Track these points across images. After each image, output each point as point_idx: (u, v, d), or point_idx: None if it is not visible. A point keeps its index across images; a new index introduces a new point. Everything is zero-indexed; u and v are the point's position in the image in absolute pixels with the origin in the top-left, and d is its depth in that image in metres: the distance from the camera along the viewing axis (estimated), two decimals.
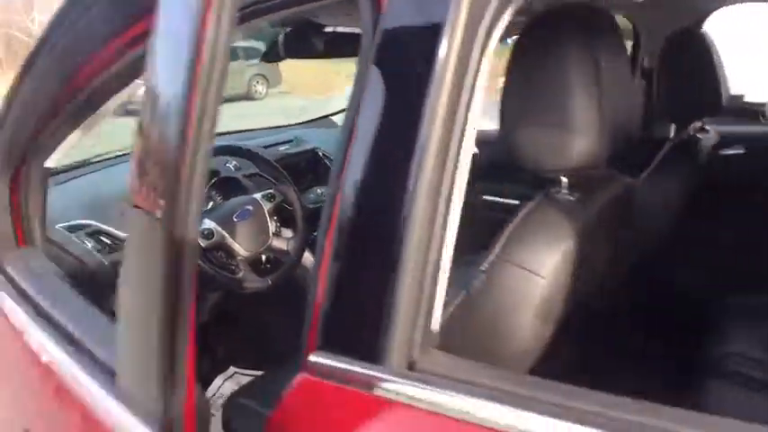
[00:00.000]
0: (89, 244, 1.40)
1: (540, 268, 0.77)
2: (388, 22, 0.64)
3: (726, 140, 1.87)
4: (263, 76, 10.18)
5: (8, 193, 1.19)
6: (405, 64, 0.64)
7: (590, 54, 0.79)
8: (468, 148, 0.64)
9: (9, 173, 1.18)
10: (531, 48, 0.82)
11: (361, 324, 0.65)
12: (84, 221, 1.43)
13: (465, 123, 0.61)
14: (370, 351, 0.63)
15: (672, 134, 1.75)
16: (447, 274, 0.65)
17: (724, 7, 1.90)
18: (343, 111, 2.41)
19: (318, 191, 1.87)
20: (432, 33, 0.60)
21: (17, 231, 1.21)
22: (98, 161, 1.71)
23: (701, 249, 1.83)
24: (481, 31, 0.61)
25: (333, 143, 2.10)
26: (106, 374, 0.77)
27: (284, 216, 1.59)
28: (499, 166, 1.07)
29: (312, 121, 2.44)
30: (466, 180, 0.65)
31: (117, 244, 1.44)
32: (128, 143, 1.83)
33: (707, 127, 1.65)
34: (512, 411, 0.57)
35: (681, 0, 1.73)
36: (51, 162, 1.23)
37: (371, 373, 0.62)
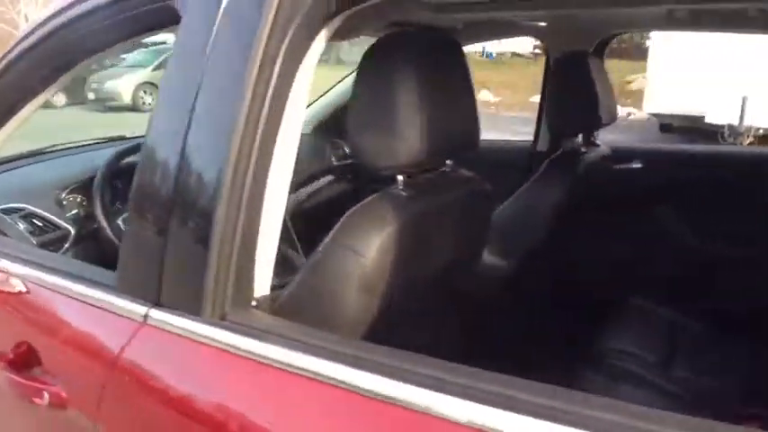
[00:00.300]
0: (21, 226, 1.54)
1: (365, 249, 0.92)
2: None
3: (625, 155, 2.04)
4: (153, 85, 10.04)
5: None
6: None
7: (415, 74, 0.94)
8: (285, 143, 0.80)
9: None
10: (370, 66, 0.97)
11: (186, 285, 0.80)
12: (18, 205, 1.58)
13: (268, 124, 0.77)
14: (193, 306, 0.78)
15: (553, 147, 1.92)
16: (266, 249, 0.81)
17: (627, 32, 2.07)
18: None
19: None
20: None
21: None
22: (36, 153, 1.86)
23: (588, 251, 2.00)
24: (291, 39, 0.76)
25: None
26: None
27: None
28: None
29: None
30: (284, 169, 0.81)
31: (47, 227, 1.59)
32: (63, 138, 1.98)
33: (598, 141, 1.82)
34: (307, 358, 0.73)
35: (580, 26, 1.89)
36: None
37: (192, 322, 0.78)
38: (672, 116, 8.47)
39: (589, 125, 1.64)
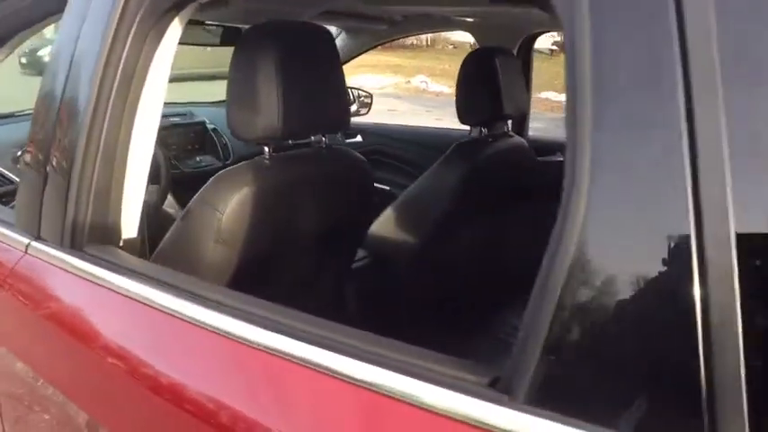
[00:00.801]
0: None
1: (222, 206, 1.09)
2: None
3: (550, 147, 2.17)
4: None
5: None
6: None
7: (274, 60, 1.09)
8: (145, 112, 0.97)
9: None
10: (239, 52, 1.13)
11: (55, 221, 0.98)
12: None
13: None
14: (59, 239, 0.96)
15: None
16: (129, 200, 0.99)
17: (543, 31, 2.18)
18: None
19: (198, 158, 2.19)
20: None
21: None
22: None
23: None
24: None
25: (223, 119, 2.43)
26: None
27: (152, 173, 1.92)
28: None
29: (220, 102, 2.77)
30: (143, 132, 0.98)
31: (2, 181, 1.78)
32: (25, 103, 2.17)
33: (511, 133, 1.96)
34: (135, 285, 0.89)
35: (502, 23, 2.02)
36: None
37: (55, 252, 0.96)
38: None
39: (492, 117, 1.77)
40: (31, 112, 2.13)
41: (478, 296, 2.20)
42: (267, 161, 1.17)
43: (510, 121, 1.95)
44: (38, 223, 1.02)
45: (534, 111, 2.41)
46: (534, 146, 2.05)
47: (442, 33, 13.05)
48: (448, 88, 12.54)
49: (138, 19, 0.92)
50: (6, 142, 1.89)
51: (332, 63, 1.22)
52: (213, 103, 2.70)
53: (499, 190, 1.90)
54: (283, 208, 1.18)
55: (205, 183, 2.15)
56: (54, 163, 0.99)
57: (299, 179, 1.22)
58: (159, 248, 1.18)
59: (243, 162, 1.17)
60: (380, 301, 1.79)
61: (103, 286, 0.89)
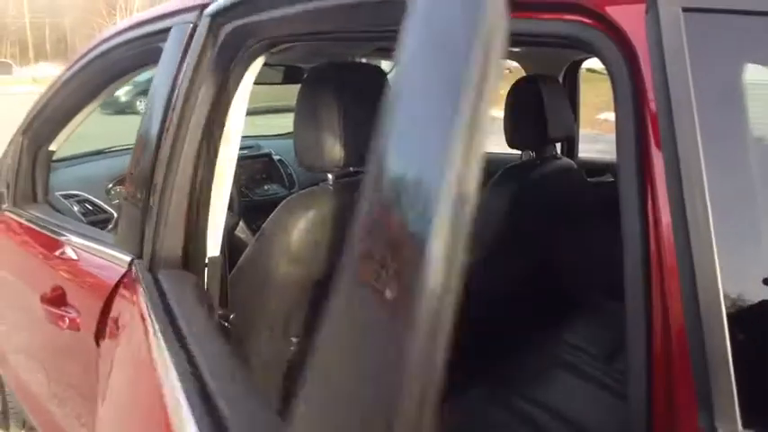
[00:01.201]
0: (76, 208, 1.96)
1: (291, 228, 1.23)
2: None
3: (598, 168, 2.23)
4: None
5: (32, 167, 1.77)
6: None
7: (335, 98, 1.23)
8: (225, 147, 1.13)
9: (33, 152, 1.76)
10: (303, 91, 1.27)
11: (148, 247, 1.15)
12: (75, 192, 2.00)
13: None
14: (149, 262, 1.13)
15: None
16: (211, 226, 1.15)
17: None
18: None
19: (266, 187, 2.37)
20: None
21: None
22: (92, 153, 2.30)
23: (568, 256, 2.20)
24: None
25: (292, 151, 2.61)
26: None
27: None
28: None
29: (284, 134, 2.97)
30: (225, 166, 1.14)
31: (96, 210, 2.00)
32: (114, 141, 2.42)
33: (558, 156, 2.04)
34: None
35: (545, 52, 2.12)
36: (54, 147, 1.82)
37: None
38: None
39: (539, 141, 1.86)
40: (118, 148, 2.40)
41: (530, 319, 2.27)
42: (330, 187, 1.31)
43: (558, 145, 2.03)
44: (139, 245, 1.19)
45: (595, 132, 2.45)
46: (585, 167, 2.12)
47: None
48: (500, 112, 12.60)
49: (229, 66, 1.09)
50: (98, 175, 2.12)
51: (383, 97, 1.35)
52: (278, 135, 2.90)
53: (548, 211, 1.97)
54: (344, 228, 1.31)
55: (272, 209, 2.33)
56: (149, 195, 1.16)
57: (355, 203, 1.35)
58: (237, 267, 1.33)
59: (309, 188, 1.32)
60: None
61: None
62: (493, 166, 2.38)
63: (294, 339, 1.41)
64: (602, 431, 1.51)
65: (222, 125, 1.14)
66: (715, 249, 0.56)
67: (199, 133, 1.11)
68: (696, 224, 0.57)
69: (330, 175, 1.31)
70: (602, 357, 1.80)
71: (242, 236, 2.12)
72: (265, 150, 2.50)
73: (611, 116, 2.43)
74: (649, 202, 0.63)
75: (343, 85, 1.25)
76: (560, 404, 1.58)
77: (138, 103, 12.01)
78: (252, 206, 2.24)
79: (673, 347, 0.59)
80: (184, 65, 1.14)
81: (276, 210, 1.28)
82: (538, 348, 1.82)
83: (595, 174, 2.19)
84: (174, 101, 1.14)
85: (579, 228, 2.21)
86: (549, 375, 1.70)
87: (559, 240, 2.19)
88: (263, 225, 1.28)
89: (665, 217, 0.60)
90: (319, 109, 1.23)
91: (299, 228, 1.23)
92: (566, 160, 2.04)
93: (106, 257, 1.28)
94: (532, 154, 1.91)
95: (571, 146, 2.23)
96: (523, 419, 1.48)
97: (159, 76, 1.20)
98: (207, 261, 1.19)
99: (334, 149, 1.24)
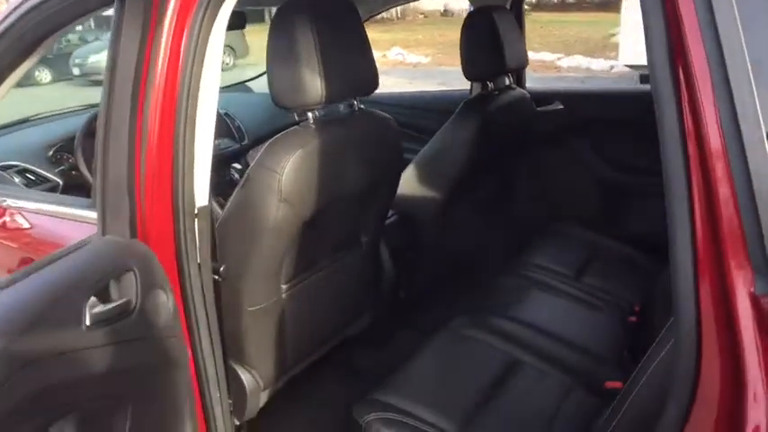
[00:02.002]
0: (17, 179, 1.81)
1: (279, 167, 1.20)
2: None
3: (547, 97, 2.29)
4: (230, 48, 10.41)
5: None
6: None
7: (310, 32, 1.19)
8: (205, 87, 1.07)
9: None
10: (275, 27, 1.22)
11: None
12: (13, 162, 1.85)
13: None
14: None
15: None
16: (200, 174, 1.10)
17: None
18: (258, 77, 2.83)
19: (216, 142, 2.28)
20: None
21: None
22: (25, 120, 2.13)
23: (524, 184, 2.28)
24: None
25: (238, 104, 2.52)
26: None
27: None
28: None
29: (229, 86, 2.85)
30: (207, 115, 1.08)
31: (39, 180, 1.86)
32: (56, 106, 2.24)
33: (513, 86, 2.08)
34: None
35: None
36: None
37: None
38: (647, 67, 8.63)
39: (498, 71, 1.89)
40: (54, 113, 2.22)
41: (499, 241, 2.35)
42: (312, 126, 1.28)
43: (510, 75, 2.06)
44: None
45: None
46: (534, 97, 2.18)
47: (412, 4, 13.06)
48: (425, 58, 12.60)
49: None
50: (35, 143, 1.97)
51: (359, 29, 1.32)
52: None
53: (507, 140, 2.02)
54: (331, 167, 1.30)
55: (225, 164, 2.25)
56: (130, 152, 1.10)
57: (340, 140, 1.33)
58: (223, 218, 1.28)
59: (291, 128, 1.28)
60: (412, 253, 1.91)
61: None
62: (440, 104, 2.42)
63: (284, 286, 1.40)
64: (580, 339, 1.60)
65: (198, 75, 1.08)
66: (763, 128, 0.59)
67: (175, 84, 1.06)
68: (743, 107, 0.60)
69: (310, 114, 1.28)
70: (571, 275, 1.90)
71: None
72: None
73: (530, 54, 2.49)
74: (684, 88, 0.65)
75: (317, 18, 1.21)
76: (539, 320, 1.66)
77: (36, 73, 11.20)
78: None
79: (723, 225, 0.62)
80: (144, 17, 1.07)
81: (261, 154, 1.24)
82: (511, 272, 1.89)
83: (544, 103, 2.25)
84: (139, 57, 1.07)
85: (534, 156, 2.28)
86: (525, 295, 1.77)
87: (517, 169, 2.26)
88: (248, 171, 1.24)
89: (707, 104, 0.63)
90: (295, 45, 1.19)
91: (289, 169, 1.20)
92: (519, 90, 2.08)
93: (89, 222, 1.20)
94: (490, 85, 1.93)
95: (520, 76, 2.27)
96: (507, 337, 1.54)
97: (117, 31, 1.11)
98: (196, 212, 1.15)
99: (315, 86, 1.21)
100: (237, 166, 2.29)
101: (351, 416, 1.25)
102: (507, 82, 2.02)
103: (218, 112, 2.38)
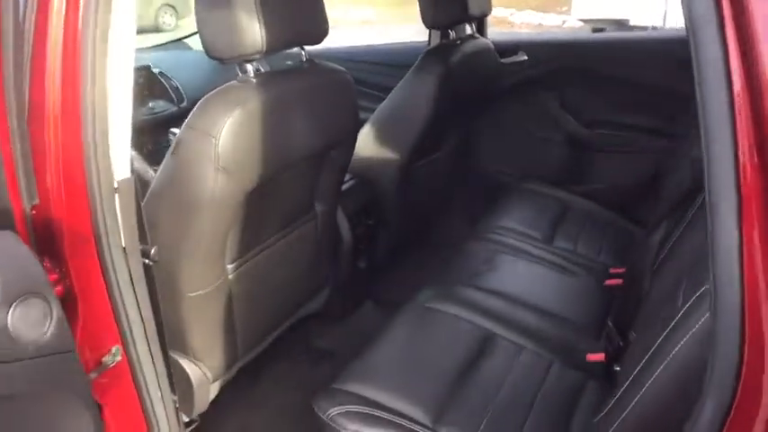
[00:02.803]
0: None
1: (215, 130, 1.02)
2: None
3: (510, 47, 2.14)
4: (172, 7, 9.86)
5: None
6: None
7: None
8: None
9: None
10: None
11: None
12: None
13: None
14: None
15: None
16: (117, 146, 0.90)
17: None
18: (193, 34, 2.57)
19: (150, 104, 2.05)
20: None
21: None
22: None
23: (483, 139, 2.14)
24: None
25: (175, 63, 2.28)
26: None
27: None
28: None
29: (164, 44, 2.58)
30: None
31: None
32: None
33: (476, 35, 1.92)
34: None
35: None
36: None
37: None
38: (600, 21, 8.60)
39: (460, 18, 1.73)
40: None
41: (463, 203, 2.22)
42: (253, 80, 1.09)
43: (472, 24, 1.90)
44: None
45: None
46: (496, 48, 2.02)
47: None
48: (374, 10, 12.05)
49: None
50: None
51: None
52: (150, 48, 2.52)
53: (470, 94, 1.87)
54: (277, 127, 1.12)
55: (163, 128, 2.04)
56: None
57: (287, 95, 1.16)
58: (151, 193, 1.10)
59: (227, 84, 1.10)
60: (371, 220, 1.77)
61: None
62: (399, 58, 2.24)
63: (230, 266, 1.23)
64: (555, 307, 1.50)
65: (106, 23, 0.88)
66: None
67: (76, 35, 0.85)
68: None
69: (249, 66, 1.10)
70: (542, 238, 1.78)
71: (136, 165, 1.83)
72: (143, 63, 2.14)
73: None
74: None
75: None
76: (510, 288, 1.54)
77: (162, 15, 10.35)
78: (138, 128, 1.92)
79: None
80: None
81: (192, 112, 1.05)
82: (478, 236, 1.77)
83: (507, 54, 2.10)
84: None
85: (497, 111, 2.14)
86: (494, 261, 1.65)
87: (480, 125, 2.12)
88: (178, 135, 1.06)
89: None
90: None
91: (226, 132, 1.02)
92: (483, 40, 1.93)
93: None
94: (452, 34, 1.76)
95: (482, 25, 2.11)
96: (477, 309, 1.42)
97: None
98: (116, 186, 0.96)
99: (254, 32, 1.03)
100: (176, 130, 2.07)
101: (313, 409, 1.11)
102: (469, 31, 1.85)
103: (152, 71, 2.19)
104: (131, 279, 1.00)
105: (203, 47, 1.07)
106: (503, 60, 2.04)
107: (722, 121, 0.53)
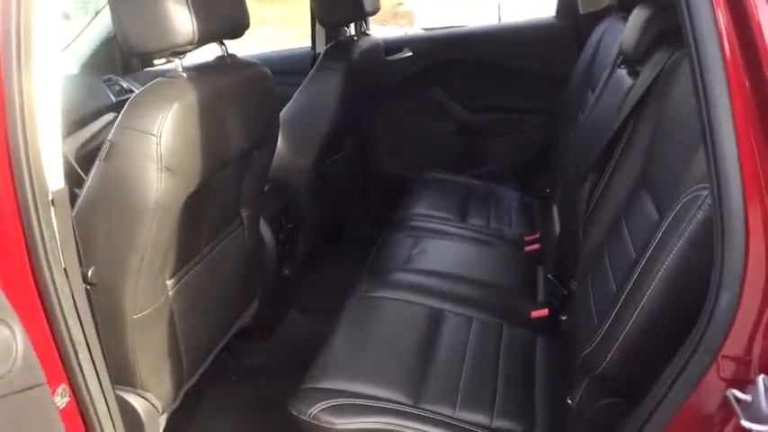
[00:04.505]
0: None
1: (153, 128, 0.94)
2: None
3: (395, 45, 2.22)
4: None
5: None
6: None
7: None
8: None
9: None
10: None
11: None
12: None
13: None
14: None
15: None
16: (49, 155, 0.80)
17: None
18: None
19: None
20: None
21: None
22: None
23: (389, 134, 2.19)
24: None
25: None
26: None
27: None
28: None
29: None
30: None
31: None
32: None
33: (368, 32, 1.96)
34: None
35: None
36: None
37: None
38: (444, 29, 9.18)
39: (357, 15, 1.75)
40: None
41: (371, 198, 2.24)
42: (183, 74, 1.03)
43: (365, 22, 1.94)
44: None
45: None
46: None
47: None
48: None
49: None
50: None
51: None
52: None
53: (366, 90, 1.90)
54: (213, 123, 1.07)
55: (85, 149, 1.84)
56: None
57: (218, 91, 1.10)
58: (82, 204, 0.99)
59: (156, 80, 1.02)
60: (290, 224, 1.73)
61: None
62: (288, 64, 2.22)
63: (170, 282, 1.14)
64: (488, 277, 1.57)
65: (29, 29, 0.78)
66: None
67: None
68: None
69: (178, 61, 1.04)
70: (456, 218, 1.86)
71: None
72: None
73: None
74: None
75: None
76: (442, 266, 1.59)
77: None
78: None
79: None
80: None
81: (123, 114, 0.97)
82: (396, 226, 1.80)
83: (393, 51, 2.16)
84: None
85: (389, 107, 2.20)
86: (419, 245, 1.69)
87: (374, 121, 2.16)
88: (110, 138, 0.96)
89: None
90: None
91: (168, 128, 0.95)
92: (373, 36, 1.97)
93: None
94: (349, 31, 1.78)
95: (366, 22, 2.15)
96: (418, 290, 1.45)
97: None
98: (51, 198, 0.85)
99: (185, 21, 0.97)
100: None
101: (290, 416, 1.06)
102: (363, 28, 1.89)
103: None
104: (75, 305, 0.89)
105: (122, 43, 0.99)
106: (389, 58, 2.10)
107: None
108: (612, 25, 1.77)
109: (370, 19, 2.03)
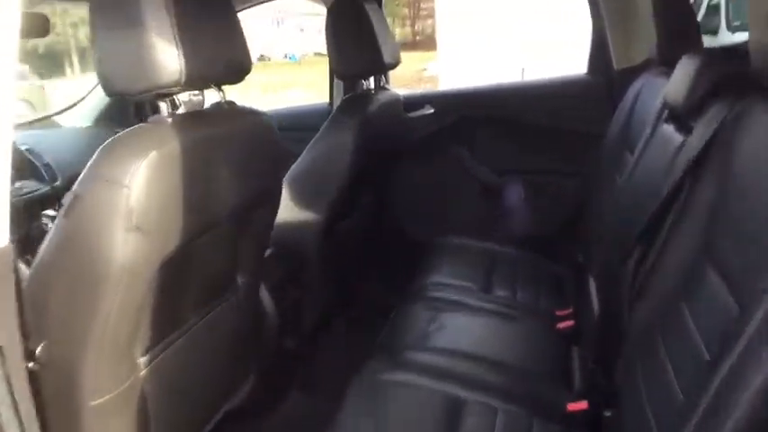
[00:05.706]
0: None
1: (126, 178, 0.81)
2: None
3: (417, 102, 2.11)
4: (28, 102, 9.26)
5: None
6: None
7: (166, 14, 0.85)
8: None
9: None
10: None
11: None
12: None
13: None
14: None
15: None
16: None
17: None
18: (68, 108, 2.30)
19: (17, 185, 1.75)
20: None
21: None
22: None
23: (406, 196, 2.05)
24: None
25: (44, 140, 1.99)
26: None
27: None
28: None
29: (30, 122, 2.29)
30: None
31: None
32: None
33: (387, 86, 1.85)
34: None
35: None
36: None
37: None
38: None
39: (375, 68, 1.65)
40: None
41: (387, 264, 2.08)
42: (168, 120, 0.90)
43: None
44: None
45: None
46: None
47: None
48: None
49: None
50: None
51: (227, 10, 0.99)
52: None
53: (383, 147, 1.78)
54: (199, 176, 0.93)
55: (34, 210, 1.73)
56: None
57: (209, 140, 0.97)
58: (36, 266, 0.85)
59: (136, 125, 0.90)
60: (295, 291, 1.57)
61: None
62: (303, 120, 2.12)
63: (142, 359, 0.98)
64: (515, 359, 1.37)
65: None
66: None
67: None
68: None
69: (163, 105, 0.91)
70: (480, 289, 1.68)
71: None
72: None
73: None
74: None
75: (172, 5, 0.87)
76: (462, 345, 1.40)
77: None
78: None
79: None
80: None
81: (93, 159, 0.84)
82: (413, 296, 1.63)
83: (414, 107, 2.05)
84: None
85: (407, 166, 2.07)
86: (437, 319, 1.51)
87: (392, 181, 2.03)
88: (74, 189, 0.83)
89: None
90: (144, 6, 0.83)
91: (140, 179, 0.81)
92: (393, 91, 1.86)
93: None
94: (366, 84, 1.68)
95: (386, 76, 2.05)
96: (434, 373, 1.26)
97: None
98: None
99: (172, 59, 0.86)
100: (51, 213, 1.76)
101: None
102: (382, 82, 1.78)
103: (16, 147, 1.88)
104: (11, 393, 0.73)
105: (102, 84, 0.88)
106: (410, 114, 1.99)
107: None
108: (651, 81, 1.62)
109: (394, 83, 1.94)
